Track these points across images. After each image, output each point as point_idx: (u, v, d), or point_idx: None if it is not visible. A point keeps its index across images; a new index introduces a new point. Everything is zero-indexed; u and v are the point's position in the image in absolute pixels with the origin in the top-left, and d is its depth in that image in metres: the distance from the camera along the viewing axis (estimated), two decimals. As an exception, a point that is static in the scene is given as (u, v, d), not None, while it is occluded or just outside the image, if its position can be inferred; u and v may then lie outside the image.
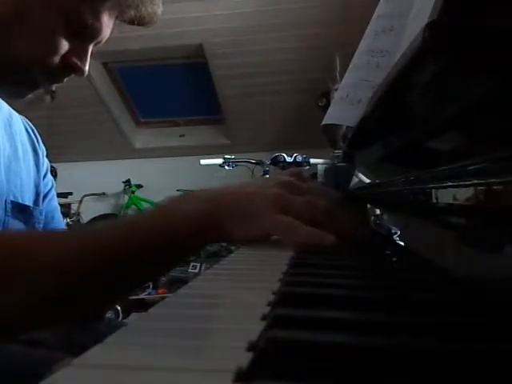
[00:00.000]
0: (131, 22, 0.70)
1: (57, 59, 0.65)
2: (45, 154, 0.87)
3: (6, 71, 0.64)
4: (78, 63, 0.67)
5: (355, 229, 0.58)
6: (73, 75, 0.69)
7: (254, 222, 0.51)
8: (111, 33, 0.69)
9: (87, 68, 0.68)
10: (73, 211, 4.52)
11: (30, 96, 0.69)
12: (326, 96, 3.04)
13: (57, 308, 0.48)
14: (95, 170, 4.78)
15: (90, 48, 0.68)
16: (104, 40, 0.69)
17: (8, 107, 0.80)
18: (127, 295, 0.64)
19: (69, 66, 0.66)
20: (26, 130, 0.84)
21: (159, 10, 0.70)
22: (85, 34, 0.66)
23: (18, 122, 0.83)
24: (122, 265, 0.48)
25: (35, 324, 0.50)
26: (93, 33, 0.66)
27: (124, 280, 0.50)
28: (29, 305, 0.45)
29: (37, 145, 0.85)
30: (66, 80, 0.70)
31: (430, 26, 0.30)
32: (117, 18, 0.68)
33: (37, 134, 0.87)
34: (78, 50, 0.66)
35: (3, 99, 0.77)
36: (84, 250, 0.47)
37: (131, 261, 0.49)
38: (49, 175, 0.87)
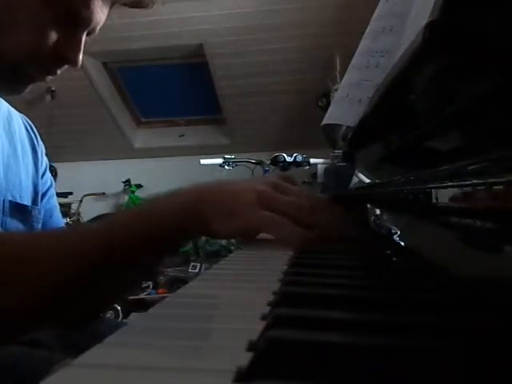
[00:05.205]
0: (131, 5, 0.67)
1: (47, 50, 0.62)
2: (44, 151, 0.86)
3: None
4: (71, 54, 0.64)
5: (344, 229, 0.57)
6: (67, 66, 0.66)
7: (238, 217, 0.51)
8: (108, 18, 0.66)
9: (80, 58, 0.66)
10: (73, 211, 4.52)
11: (27, 90, 0.68)
12: (326, 96, 3.04)
13: (53, 309, 0.48)
14: (95, 170, 4.78)
15: (83, 37, 0.65)
16: (98, 28, 0.66)
17: (7, 105, 0.80)
18: (121, 296, 0.64)
19: (61, 57, 0.64)
20: (25, 127, 0.83)
21: None
22: (75, 22, 0.63)
23: (18, 119, 0.81)
24: (108, 264, 0.49)
25: (32, 326, 0.50)
26: (83, 21, 0.63)
27: (113, 279, 0.51)
28: (27, 307, 0.46)
29: (36, 142, 0.84)
30: (59, 72, 0.67)
31: (430, 26, 0.30)
32: (114, 2, 0.66)
33: (35, 131, 0.85)
34: (70, 40, 0.64)
35: (2, 97, 0.76)
36: (71, 253, 0.48)
37: (117, 259, 0.49)
38: (48, 173, 0.86)
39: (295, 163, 2.93)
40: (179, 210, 0.52)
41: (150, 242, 0.51)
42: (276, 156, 2.96)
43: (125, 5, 0.67)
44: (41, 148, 0.85)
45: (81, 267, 0.48)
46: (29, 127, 0.84)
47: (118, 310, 3.04)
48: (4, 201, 0.73)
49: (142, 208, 0.56)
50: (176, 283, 3.69)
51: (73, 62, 0.65)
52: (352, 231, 0.58)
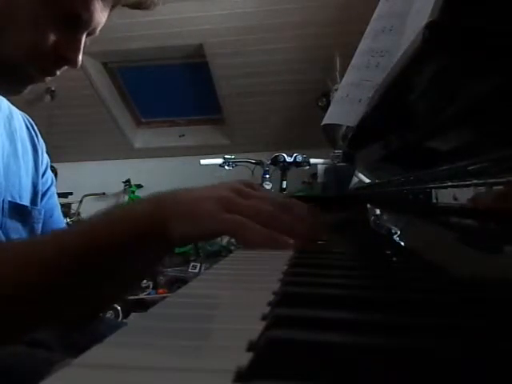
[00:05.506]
0: (133, 7, 0.67)
1: (47, 51, 0.62)
2: (44, 149, 0.85)
3: None
4: (71, 54, 0.64)
5: (315, 230, 0.56)
6: (66, 67, 0.66)
7: (202, 222, 0.51)
8: (109, 19, 0.66)
9: (80, 59, 0.66)
10: (73, 211, 4.51)
11: (26, 91, 0.68)
12: (326, 96, 3.04)
13: (53, 310, 0.48)
14: (95, 170, 4.78)
15: (83, 38, 0.66)
16: (98, 29, 0.66)
17: (8, 104, 0.79)
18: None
19: (61, 58, 0.64)
20: (26, 125, 0.83)
21: None
22: (75, 23, 0.63)
23: (18, 118, 0.81)
24: (69, 276, 0.49)
25: (32, 326, 0.50)
26: (83, 23, 0.63)
27: (81, 291, 0.50)
28: (28, 309, 0.46)
29: (36, 140, 0.83)
30: (58, 72, 0.67)
31: (430, 26, 0.30)
32: (114, 4, 0.66)
33: (36, 129, 0.85)
34: (70, 41, 0.64)
35: (2, 95, 0.76)
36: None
37: (74, 270, 0.49)
38: (49, 171, 0.85)
39: (295, 163, 2.93)
40: (139, 216, 0.52)
41: (107, 252, 0.50)
42: (276, 156, 2.96)
43: (126, 6, 0.67)
44: (41, 146, 0.84)
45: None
46: (29, 125, 0.84)
47: (117, 310, 3.03)
48: (4, 201, 0.72)
49: (96, 219, 0.54)
50: (176, 283, 3.69)
51: (72, 62, 0.66)
52: (324, 231, 0.57)
